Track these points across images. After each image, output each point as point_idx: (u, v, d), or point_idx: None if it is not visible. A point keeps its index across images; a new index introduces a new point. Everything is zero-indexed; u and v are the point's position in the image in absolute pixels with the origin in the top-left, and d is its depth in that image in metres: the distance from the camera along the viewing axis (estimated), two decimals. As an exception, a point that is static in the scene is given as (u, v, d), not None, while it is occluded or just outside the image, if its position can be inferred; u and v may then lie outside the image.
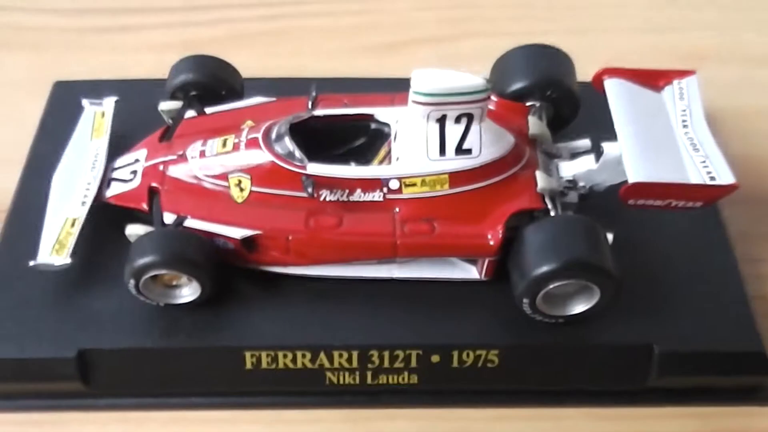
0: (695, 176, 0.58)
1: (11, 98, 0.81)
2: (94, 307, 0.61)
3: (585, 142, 0.65)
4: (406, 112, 0.59)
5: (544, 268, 0.57)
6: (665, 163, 0.59)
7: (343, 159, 0.63)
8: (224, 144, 0.62)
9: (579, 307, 0.59)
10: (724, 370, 0.62)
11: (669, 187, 0.58)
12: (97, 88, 0.73)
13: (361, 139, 0.64)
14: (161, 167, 0.63)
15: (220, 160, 0.61)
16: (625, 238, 0.61)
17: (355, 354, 0.60)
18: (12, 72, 0.83)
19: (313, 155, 0.60)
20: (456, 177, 0.59)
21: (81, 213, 0.62)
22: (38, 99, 0.75)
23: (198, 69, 0.67)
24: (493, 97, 0.64)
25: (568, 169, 0.63)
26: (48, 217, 0.62)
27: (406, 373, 0.61)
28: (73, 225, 0.61)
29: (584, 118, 0.67)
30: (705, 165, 0.59)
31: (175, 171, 0.62)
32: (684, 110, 0.63)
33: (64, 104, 0.74)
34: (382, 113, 0.63)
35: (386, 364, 0.60)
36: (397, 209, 0.60)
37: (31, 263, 0.60)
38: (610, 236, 0.59)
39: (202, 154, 0.62)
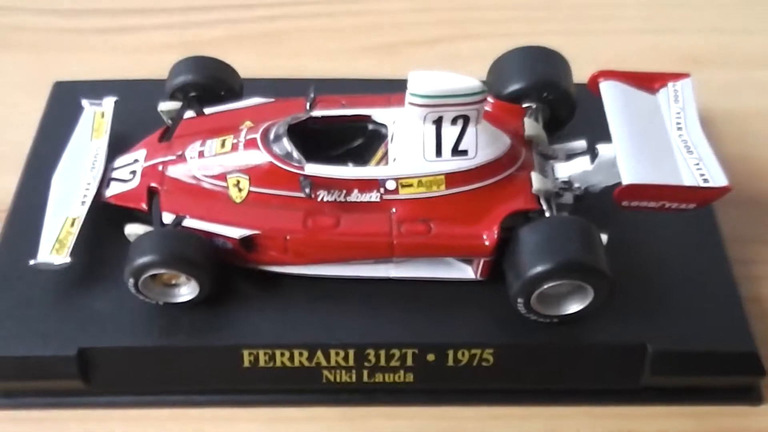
0: (689, 178, 0.59)
1: (11, 98, 0.81)
2: (94, 306, 0.61)
3: (581, 144, 0.65)
4: (403, 114, 0.60)
5: (539, 269, 0.57)
6: (659, 165, 0.59)
7: (340, 160, 0.63)
8: (223, 144, 0.62)
9: (573, 307, 0.60)
10: (716, 370, 0.62)
11: (662, 189, 0.58)
12: (96, 89, 0.73)
13: (359, 140, 0.64)
14: (160, 167, 0.63)
15: (219, 161, 0.62)
16: (620, 238, 0.61)
17: (351, 352, 0.60)
18: (12, 72, 0.84)
19: (311, 156, 0.61)
20: (452, 178, 0.59)
21: (81, 212, 0.62)
22: (38, 99, 0.76)
23: (197, 70, 0.67)
24: (490, 99, 0.65)
25: (564, 170, 0.63)
26: (48, 217, 0.62)
27: (402, 372, 0.61)
28: (72, 224, 0.62)
29: (581, 119, 0.67)
30: (698, 167, 0.59)
31: (174, 171, 0.62)
32: (678, 113, 0.63)
33: (63, 104, 0.74)
34: (379, 114, 0.63)
35: (382, 362, 0.61)
36: (394, 210, 0.60)
37: (32, 262, 0.60)
38: (604, 237, 0.60)
39: (201, 154, 0.62)
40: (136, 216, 0.62)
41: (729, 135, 0.79)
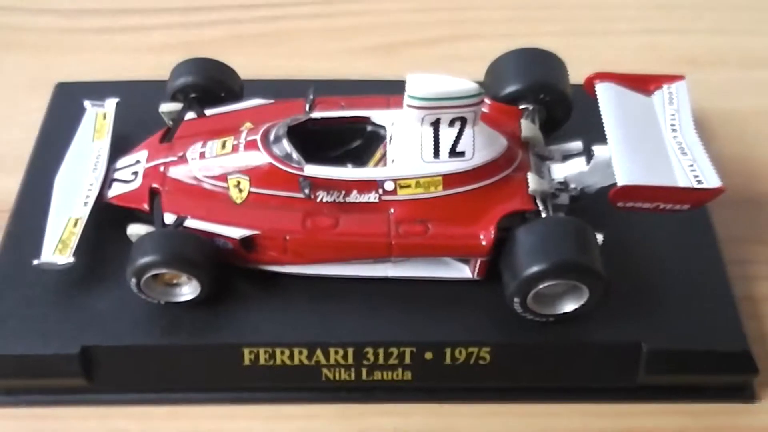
0: (683, 180, 0.59)
1: (13, 99, 0.81)
2: (96, 305, 0.61)
3: (577, 144, 0.66)
4: (401, 115, 0.60)
5: (535, 269, 0.57)
6: (653, 167, 0.60)
7: (339, 161, 0.63)
8: (223, 146, 0.62)
9: (569, 307, 0.60)
10: (710, 368, 0.62)
11: (657, 190, 0.58)
12: (98, 89, 0.73)
13: (358, 141, 0.65)
14: (162, 168, 0.63)
15: (220, 162, 0.62)
16: (615, 239, 0.61)
17: (350, 351, 0.61)
18: (13, 72, 0.84)
19: (311, 157, 0.61)
20: (449, 179, 0.60)
21: (83, 213, 0.62)
22: (40, 100, 0.76)
23: (198, 72, 0.68)
24: (487, 100, 0.65)
25: (560, 171, 0.64)
26: (51, 217, 0.63)
27: (400, 370, 0.61)
28: (75, 225, 0.62)
29: (577, 120, 0.67)
30: (692, 169, 0.60)
31: (176, 172, 0.63)
32: (673, 114, 0.64)
33: (65, 105, 0.74)
34: (377, 116, 0.64)
35: (381, 360, 0.61)
36: (392, 210, 0.60)
37: (35, 262, 0.60)
38: (600, 237, 0.60)
39: (202, 155, 0.63)
40: (138, 216, 0.62)
41: (725, 135, 0.79)
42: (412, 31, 0.89)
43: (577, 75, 0.67)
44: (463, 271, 0.63)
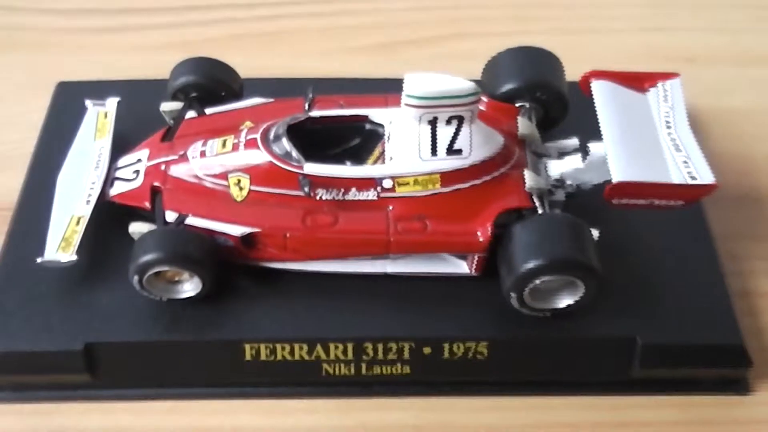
0: (677, 176, 0.60)
1: (15, 98, 0.81)
2: (99, 302, 0.62)
3: (573, 141, 0.66)
4: (399, 114, 0.60)
5: (531, 265, 0.58)
6: (648, 164, 0.60)
7: (338, 159, 0.64)
8: (224, 144, 0.63)
9: (564, 302, 0.61)
10: (705, 362, 0.63)
11: (651, 187, 0.59)
12: (99, 89, 0.73)
13: (356, 140, 0.65)
14: (163, 167, 0.64)
15: (220, 160, 0.62)
16: (611, 234, 0.62)
17: (350, 346, 0.61)
18: (15, 72, 0.84)
19: (310, 155, 0.61)
20: (447, 176, 0.60)
21: (86, 211, 0.63)
22: (41, 99, 0.76)
23: (198, 71, 0.68)
24: (484, 98, 0.65)
25: (556, 168, 0.64)
26: (54, 216, 0.63)
27: (399, 365, 0.62)
28: (78, 223, 0.62)
29: (574, 117, 0.68)
30: (686, 165, 0.60)
31: (177, 170, 0.63)
32: (668, 112, 0.64)
33: (67, 104, 0.74)
34: (376, 114, 0.64)
35: (380, 355, 0.61)
36: (391, 207, 0.61)
37: (39, 260, 0.61)
38: (595, 233, 0.60)
39: (203, 154, 0.63)
40: (139, 214, 0.63)
41: (720, 132, 0.80)
42: (410, 30, 0.89)
43: (574, 72, 0.68)
44: (461, 268, 0.63)
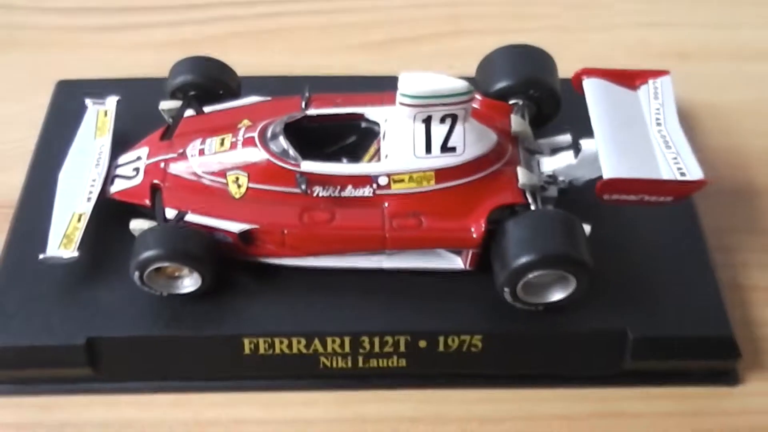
0: (667, 172, 0.61)
1: (16, 97, 0.82)
2: (101, 298, 0.62)
3: (566, 138, 0.67)
4: (394, 112, 0.61)
5: (524, 260, 0.59)
6: (638, 160, 0.61)
7: (335, 156, 0.64)
8: (222, 143, 0.64)
9: (557, 296, 0.62)
10: (695, 354, 0.63)
11: (641, 183, 0.60)
12: (98, 87, 0.74)
13: (352, 138, 0.66)
14: (162, 165, 0.64)
15: (219, 158, 0.63)
16: (603, 229, 0.63)
17: (347, 340, 0.62)
18: (15, 70, 0.84)
19: (307, 153, 0.62)
20: (441, 174, 0.61)
21: (87, 208, 0.63)
22: (42, 97, 0.77)
23: (196, 70, 0.69)
24: (478, 96, 0.66)
25: (549, 164, 0.65)
26: (55, 213, 0.64)
27: (395, 358, 0.63)
28: (79, 220, 0.63)
29: (567, 114, 0.68)
30: (676, 161, 0.61)
31: (176, 168, 0.64)
32: (658, 109, 0.65)
33: (67, 103, 0.75)
34: (372, 113, 0.65)
35: (376, 349, 0.62)
36: (386, 204, 0.61)
37: (41, 257, 0.61)
38: (587, 228, 0.61)
39: (202, 152, 0.64)
40: (140, 212, 0.63)
41: (712, 127, 0.80)
42: (408, 28, 0.89)
43: (569, 69, 0.68)
44: (455, 263, 0.64)
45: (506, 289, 0.61)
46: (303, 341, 0.62)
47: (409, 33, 0.89)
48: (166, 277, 0.62)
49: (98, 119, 0.70)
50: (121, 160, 0.67)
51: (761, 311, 0.69)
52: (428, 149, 0.61)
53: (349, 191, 0.62)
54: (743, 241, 0.72)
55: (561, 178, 0.65)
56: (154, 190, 0.64)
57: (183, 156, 0.64)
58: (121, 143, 0.68)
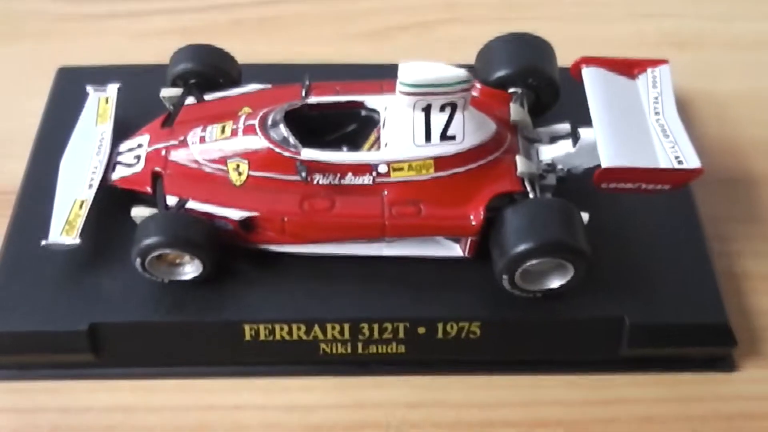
0: (664, 161, 0.61)
1: (17, 84, 0.82)
2: (103, 284, 0.63)
3: (564, 126, 0.67)
4: (394, 101, 0.61)
5: (522, 247, 0.59)
6: (636, 149, 0.61)
7: (335, 144, 0.65)
8: (223, 130, 0.64)
9: (554, 283, 0.62)
10: (691, 341, 0.64)
11: (639, 172, 0.60)
12: (99, 74, 0.74)
13: (352, 126, 0.66)
14: (163, 152, 0.64)
15: (219, 146, 0.63)
16: (601, 217, 0.63)
17: (346, 326, 0.62)
18: (16, 58, 0.85)
19: (307, 141, 0.62)
20: (440, 162, 0.61)
21: (89, 195, 0.64)
22: (43, 84, 0.77)
23: (196, 58, 0.69)
24: (477, 85, 0.67)
25: (547, 153, 0.65)
26: (57, 200, 0.64)
27: (394, 344, 0.63)
28: (81, 207, 0.63)
29: (566, 102, 0.68)
30: (674, 150, 0.62)
31: (177, 156, 0.64)
32: (656, 98, 0.65)
33: (68, 90, 0.75)
34: (371, 101, 0.65)
35: (376, 335, 0.63)
36: (386, 192, 0.62)
37: (43, 243, 0.62)
38: (585, 216, 0.62)
39: (202, 139, 0.64)
40: (141, 198, 0.64)
41: (709, 116, 0.81)
42: (406, 16, 0.90)
43: (567, 57, 0.68)
44: (454, 250, 0.64)
45: (505, 277, 0.61)
46: (303, 327, 0.62)
47: (408, 21, 0.89)
48: (168, 263, 0.62)
49: (99, 106, 0.70)
50: (123, 147, 0.67)
51: (757, 299, 0.69)
52: (428, 137, 0.61)
53: (349, 179, 0.62)
54: (740, 230, 0.73)
55: (559, 167, 0.66)
56: (155, 177, 0.64)
57: (184, 143, 0.65)
58: (121, 130, 0.68)
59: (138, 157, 0.66)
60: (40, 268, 0.64)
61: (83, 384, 0.64)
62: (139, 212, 0.63)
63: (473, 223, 0.62)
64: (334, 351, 0.64)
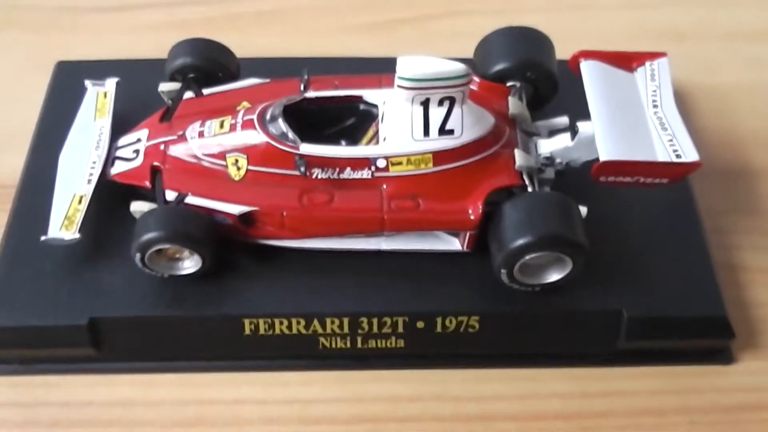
0: (662, 154, 0.61)
1: (15, 77, 0.82)
2: (103, 279, 0.63)
3: (563, 120, 0.67)
4: (392, 95, 0.61)
5: (521, 242, 0.59)
6: (634, 142, 0.61)
7: (333, 138, 0.65)
8: (221, 125, 0.64)
9: (553, 277, 0.62)
10: (689, 333, 0.64)
11: (637, 165, 0.60)
12: (98, 68, 0.74)
13: (351, 120, 0.66)
14: (162, 147, 0.64)
15: (218, 141, 0.63)
16: (599, 210, 0.63)
17: (346, 321, 0.62)
18: (14, 51, 0.84)
19: (305, 135, 0.62)
20: (439, 156, 0.61)
21: (88, 190, 0.64)
22: (41, 78, 0.77)
23: (195, 52, 0.69)
24: (476, 78, 0.67)
25: (546, 146, 0.65)
26: (56, 195, 0.64)
27: (393, 338, 0.63)
28: (80, 202, 0.63)
29: (564, 95, 0.68)
30: (672, 144, 0.62)
31: (176, 150, 0.64)
32: (654, 91, 0.65)
33: (66, 84, 0.75)
34: (370, 95, 0.65)
35: (375, 329, 0.63)
36: (385, 186, 0.62)
37: (43, 238, 0.62)
38: (584, 210, 0.62)
39: (201, 134, 0.64)
40: (140, 193, 0.64)
41: (708, 108, 0.81)
42: (405, 9, 0.89)
43: (566, 50, 0.68)
44: (453, 244, 0.64)
45: (503, 271, 0.61)
46: (302, 322, 0.63)
47: (408, 14, 0.89)
48: (167, 258, 0.63)
49: (98, 101, 0.70)
50: (121, 141, 0.67)
51: (755, 292, 0.69)
52: (426, 132, 0.61)
53: (348, 173, 0.62)
54: (738, 223, 0.73)
55: (558, 160, 0.66)
56: (154, 172, 0.64)
57: (182, 138, 0.65)
58: (120, 124, 0.68)
59: (137, 151, 0.66)
60: (40, 262, 0.64)
61: (83, 378, 0.64)
62: (138, 207, 0.63)
63: (472, 217, 0.62)
64: (334, 345, 0.64)
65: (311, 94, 0.66)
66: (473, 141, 0.62)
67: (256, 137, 0.63)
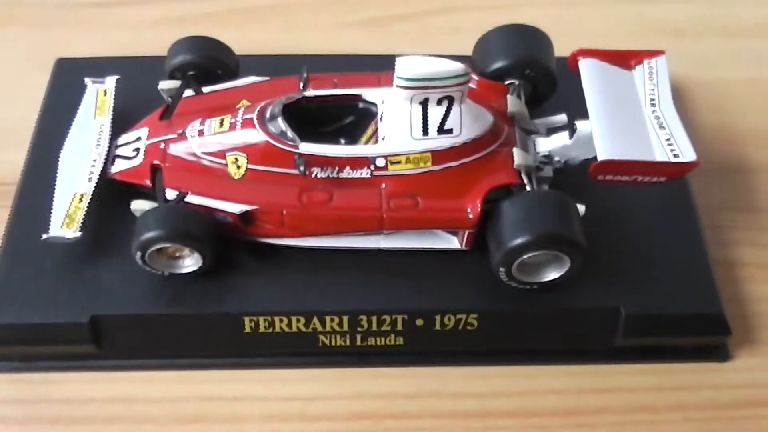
0: (660, 153, 0.61)
1: (14, 74, 0.82)
2: (104, 277, 0.63)
3: (561, 118, 0.67)
4: (391, 94, 0.61)
5: (519, 240, 0.59)
6: (632, 141, 0.62)
7: (332, 137, 0.65)
8: (221, 124, 0.64)
9: (551, 275, 0.62)
10: (686, 331, 0.65)
11: (634, 164, 0.60)
12: (98, 65, 0.74)
13: (350, 118, 0.66)
14: (162, 145, 0.65)
15: (218, 139, 0.63)
16: (597, 208, 0.63)
17: (345, 318, 0.63)
18: (14, 47, 0.84)
19: (305, 133, 0.62)
20: (438, 155, 0.62)
21: (88, 188, 0.64)
22: (41, 75, 0.77)
23: (194, 50, 0.69)
24: (474, 77, 0.66)
25: (544, 144, 0.66)
26: (57, 193, 0.64)
27: (392, 336, 0.64)
28: (81, 200, 0.63)
29: (563, 93, 0.69)
30: (669, 143, 0.62)
31: (176, 149, 0.64)
32: (652, 89, 0.65)
33: (66, 81, 0.75)
34: (369, 93, 0.65)
35: (374, 327, 0.63)
36: (384, 185, 0.62)
37: (44, 236, 0.62)
38: (582, 208, 0.62)
39: (201, 133, 0.64)
40: (140, 191, 0.64)
41: (706, 104, 0.81)
42: (404, 5, 0.89)
43: (564, 46, 0.68)
44: (452, 242, 0.64)
45: (502, 269, 0.62)
46: (302, 320, 0.63)
47: (407, 10, 0.89)
48: (168, 257, 0.63)
49: (98, 98, 0.70)
50: (122, 140, 0.67)
51: (752, 288, 0.70)
52: (425, 131, 0.61)
53: (347, 172, 0.62)
54: (735, 219, 0.73)
55: (556, 158, 0.66)
56: (155, 170, 0.64)
57: (182, 137, 0.65)
58: (120, 122, 0.69)
59: (137, 150, 0.66)
60: (41, 260, 0.64)
61: (84, 375, 0.64)
62: (138, 206, 0.63)
63: (470, 215, 0.62)
64: (333, 343, 0.64)
65: (310, 92, 0.66)
66: (472, 140, 0.62)
67: (255, 136, 0.63)
